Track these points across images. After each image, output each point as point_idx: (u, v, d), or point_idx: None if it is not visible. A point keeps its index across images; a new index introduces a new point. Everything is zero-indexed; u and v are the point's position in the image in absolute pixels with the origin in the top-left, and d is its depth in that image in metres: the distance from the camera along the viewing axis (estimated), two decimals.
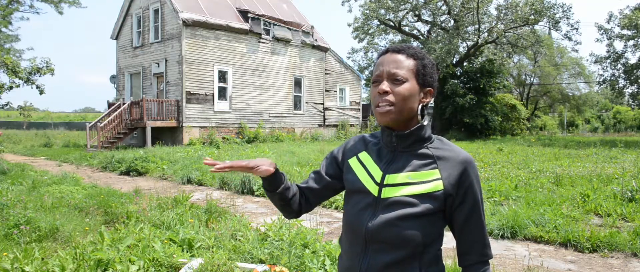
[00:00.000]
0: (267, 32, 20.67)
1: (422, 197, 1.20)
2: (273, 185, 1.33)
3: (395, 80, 1.22)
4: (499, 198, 6.52)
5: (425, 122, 1.26)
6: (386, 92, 1.21)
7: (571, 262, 4.19)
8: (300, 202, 1.40)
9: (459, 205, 1.22)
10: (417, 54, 1.26)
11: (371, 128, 25.55)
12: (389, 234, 1.19)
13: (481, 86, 26.00)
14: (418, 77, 1.24)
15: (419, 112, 1.25)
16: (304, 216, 3.49)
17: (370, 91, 1.29)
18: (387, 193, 1.22)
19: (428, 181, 1.21)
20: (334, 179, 1.39)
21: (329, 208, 6.63)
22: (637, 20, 23.36)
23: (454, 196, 1.22)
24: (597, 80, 30.33)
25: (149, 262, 3.39)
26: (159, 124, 17.08)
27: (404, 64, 1.23)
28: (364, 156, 1.33)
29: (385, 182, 1.24)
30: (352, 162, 1.34)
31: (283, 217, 4.52)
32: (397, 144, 1.27)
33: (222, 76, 19.02)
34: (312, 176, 1.43)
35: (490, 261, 1.27)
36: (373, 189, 1.25)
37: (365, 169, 1.29)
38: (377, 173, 1.26)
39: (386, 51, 1.28)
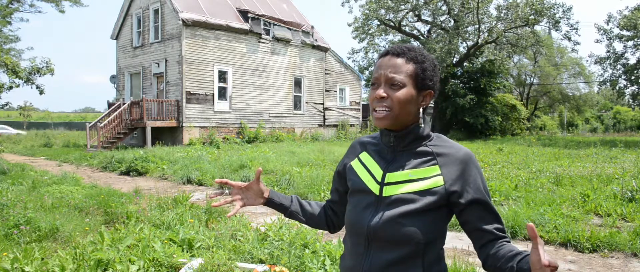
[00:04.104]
0: (267, 32, 20.66)
1: (423, 193, 1.20)
2: (279, 209, 1.50)
3: (392, 85, 1.22)
4: (499, 198, 6.52)
5: (422, 123, 1.28)
6: (383, 98, 1.22)
7: (571, 262, 4.19)
8: (329, 217, 1.50)
9: (466, 199, 1.21)
10: (417, 57, 1.25)
11: (371, 128, 25.54)
12: (391, 231, 1.19)
13: (481, 86, 26.01)
14: (416, 82, 1.24)
15: (421, 114, 1.27)
16: None
17: (369, 93, 1.29)
18: (388, 191, 1.23)
19: (428, 177, 1.21)
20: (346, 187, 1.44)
21: None
22: (637, 21, 23.36)
23: (459, 192, 1.21)
24: (598, 80, 30.36)
25: (149, 262, 3.39)
26: (159, 124, 17.08)
27: (402, 69, 1.23)
28: (364, 156, 1.35)
29: (386, 181, 1.24)
30: (354, 164, 1.36)
31: (283, 217, 4.53)
32: (396, 143, 1.28)
33: (222, 76, 19.02)
34: (332, 189, 1.51)
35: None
36: (374, 188, 1.26)
37: (366, 169, 1.31)
38: (378, 172, 1.27)
39: (386, 53, 1.28)
